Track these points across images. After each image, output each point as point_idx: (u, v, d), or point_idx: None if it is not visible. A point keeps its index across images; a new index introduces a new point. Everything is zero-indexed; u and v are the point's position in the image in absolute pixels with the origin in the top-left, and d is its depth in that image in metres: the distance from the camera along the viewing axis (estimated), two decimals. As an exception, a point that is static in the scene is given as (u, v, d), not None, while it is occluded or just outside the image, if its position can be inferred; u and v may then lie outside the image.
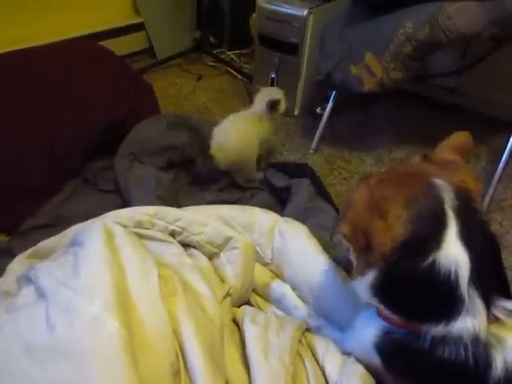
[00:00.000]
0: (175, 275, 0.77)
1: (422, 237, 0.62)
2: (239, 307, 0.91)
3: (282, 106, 1.55)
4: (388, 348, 0.68)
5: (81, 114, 1.41)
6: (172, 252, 0.88)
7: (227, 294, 0.87)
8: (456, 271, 0.60)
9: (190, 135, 1.52)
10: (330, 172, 1.68)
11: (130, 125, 1.49)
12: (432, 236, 0.62)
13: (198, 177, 1.44)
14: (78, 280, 0.66)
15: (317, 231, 1.07)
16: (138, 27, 2.40)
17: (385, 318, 0.68)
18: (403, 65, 1.42)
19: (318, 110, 1.89)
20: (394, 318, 0.66)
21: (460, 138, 0.76)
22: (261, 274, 1.01)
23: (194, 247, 0.95)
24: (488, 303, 0.61)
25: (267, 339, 0.75)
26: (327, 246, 1.03)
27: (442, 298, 0.62)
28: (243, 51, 2.52)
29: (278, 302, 0.98)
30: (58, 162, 1.34)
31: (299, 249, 1.00)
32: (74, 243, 0.79)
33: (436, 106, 2.07)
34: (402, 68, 1.43)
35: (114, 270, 0.68)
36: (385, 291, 0.66)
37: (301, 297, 0.97)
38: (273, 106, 1.50)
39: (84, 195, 1.37)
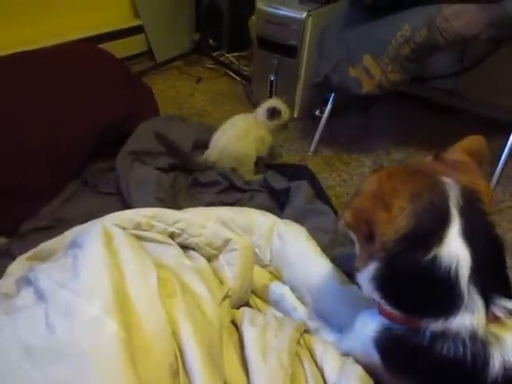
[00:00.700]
0: (174, 277, 0.77)
1: (424, 231, 0.63)
2: (238, 309, 0.91)
3: (285, 116, 1.56)
4: (387, 344, 0.68)
5: (80, 116, 1.41)
6: (171, 254, 0.89)
7: (226, 296, 0.87)
8: (456, 268, 0.61)
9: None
10: (329, 174, 1.68)
11: (130, 127, 1.49)
12: (434, 231, 0.63)
13: (197, 179, 1.44)
14: (78, 282, 0.66)
15: (315, 233, 1.07)
16: (138, 30, 2.40)
17: (385, 314, 0.68)
18: (401, 67, 1.43)
19: (317, 113, 1.89)
20: (394, 313, 0.67)
21: (473, 141, 0.76)
22: (260, 275, 1.02)
23: (193, 249, 0.96)
24: (487, 301, 0.62)
25: (266, 340, 0.75)
26: (326, 248, 1.03)
27: (441, 294, 0.62)
28: (242, 54, 2.52)
29: (276, 304, 0.98)
30: (57, 164, 1.34)
31: (298, 251, 1.01)
32: (74, 245, 0.79)
33: (434, 107, 2.07)
34: (401, 70, 1.44)
35: (113, 271, 0.68)
36: (386, 284, 0.67)
37: (300, 298, 0.97)
38: (273, 112, 1.52)
39: (84, 197, 1.38)
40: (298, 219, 1.13)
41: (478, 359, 0.60)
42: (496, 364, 0.59)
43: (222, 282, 0.91)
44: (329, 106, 1.75)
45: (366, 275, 0.69)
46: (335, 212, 1.26)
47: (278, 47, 1.91)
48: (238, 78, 2.37)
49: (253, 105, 2.14)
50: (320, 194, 1.35)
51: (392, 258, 0.64)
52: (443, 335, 0.61)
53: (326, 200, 1.33)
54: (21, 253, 0.97)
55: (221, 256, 0.95)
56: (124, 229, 0.85)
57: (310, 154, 1.79)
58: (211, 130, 1.54)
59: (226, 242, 0.94)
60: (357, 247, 0.71)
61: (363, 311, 0.76)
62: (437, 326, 0.62)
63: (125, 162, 1.38)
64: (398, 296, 0.67)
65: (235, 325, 0.84)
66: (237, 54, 2.53)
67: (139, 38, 2.43)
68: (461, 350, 0.60)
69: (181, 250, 0.93)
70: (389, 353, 0.69)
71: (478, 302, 0.61)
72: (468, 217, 0.63)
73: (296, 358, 0.76)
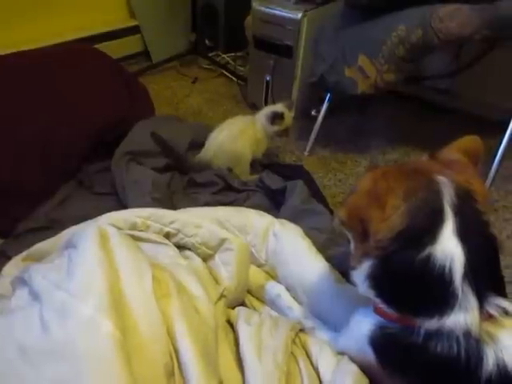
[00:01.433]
0: (169, 277, 0.77)
1: (418, 230, 0.63)
2: (234, 308, 0.91)
3: (287, 120, 1.53)
4: (382, 343, 0.69)
5: (75, 117, 1.41)
6: (166, 254, 0.89)
7: (222, 296, 0.87)
8: (450, 266, 0.61)
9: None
10: (325, 174, 1.69)
11: (125, 127, 1.49)
12: (428, 230, 0.63)
13: (193, 179, 1.44)
14: (72, 282, 0.66)
15: (311, 233, 1.07)
16: (134, 30, 2.41)
17: (380, 313, 0.69)
18: (397, 67, 1.43)
19: (313, 113, 1.89)
20: (389, 311, 0.67)
21: (470, 141, 0.77)
22: (255, 275, 1.02)
23: (189, 249, 0.96)
24: (481, 300, 0.62)
25: (261, 339, 0.75)
26: (321, 248, 1.03)
27: (435, 292, 0.63)
28: (238, 54, 2.53)
29: (272, 303, 0.98)
30: (53, 165, 1.34)
31: (294, 250, 1.01)
32: (69, 245, 0.79)
33: (430, 107, 2.08)
34: (396, 70, 1.45)
35: (108, 271, 0.68)
36: (380, 282, 0.67)
37: (295, 298, 0.97)
38: (275, 117, 1.50)
39: (80, 198, 1.37)
40: (294, 219, 1.13)
41: (471, 357, 0.60)
42: (490, 362, 0.59)
43: (217, 282, 0.91)
44: (325, 106, 1.75)
45: (360, 273, 0.69)
46: (331, 212, 1.27)
47: (274, 47, 1.91)
48: (234, 78, 2.37)
49: (249, 105, 2.15)
50: (316, 193, 1.35)
51: (386, 256, 0.65)
52: (437, 333, 0.62)
53: (322, 200, 1.34)
54: (16, 253, 0.97)
55: (216, 256, 0.95)
56: (120, 229, 0.85)
57: (306, 153, 1.79)
58: (207, 130, 1.54)
59: (222, 241, 0.94)
60: (352, 245, 0.72)
61: (358, 310, 0.76)
62: (431, 324, 0.62)
63: (120, 163, 1.37)
64: (393, 294, 0.67)
65: (231, 324, 0.84)
66: (233, 54, 2.53)
67: (135, 39, 2.43)
68: (455, 348, 0.61)
69: (177, 249, 0.93)
70: (384, 351, 0.69)
71: (472, 301, 0.62)
72: (462, 216, 0.64)
73: (291, 356, 0.77)
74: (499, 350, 0.60)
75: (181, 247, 0.95)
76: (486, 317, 0.62)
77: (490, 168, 1.46)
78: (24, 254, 0.96)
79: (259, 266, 1.04)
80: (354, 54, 1.50)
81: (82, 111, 1.44)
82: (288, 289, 0.99)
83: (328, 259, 0.99)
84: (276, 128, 1.52)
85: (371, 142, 1.88)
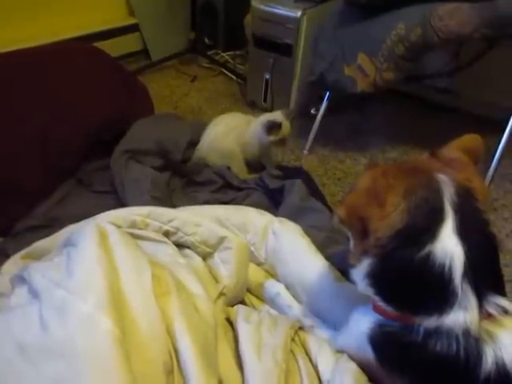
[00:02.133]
0: (169, 275, 0.77)
1: (418, 228, 0.63)
2: (233, 306, 0.91)
3: (284, 130, 1.44)
4: (381, 341, 0.69)
5: (74, 115, 1.41)
6: (166, 252, 0.89)
7: (221, 294, 0.87)
8: (450, 265, 0.61)
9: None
10: (324, 172, 1.68)
11: (124, 126, 1.49)
12: (428, 228, 0.63)
13: (192, 178, 1.44)
14: (71, 280, 0.66)
15: (310, 231, 1.07)
16: (133, 28, 2.40)
17: (379, 311, 0.69)
18: (396, 65, 1.43)
19: (313, 111, 1.89)
20: (388, 310, 0.67)
21: (470, 140, 0.77)
22: (255, 273, 1.02)
23: (188, 247, 0.96)
24: (481, 299, 0.62)
25: (260, 337, 0.75)
26: (321, 246, 1.03)
27: (435, 291, 0.62)
28: (238, 52, 2.53)
29: (272, 302, 0.98)
30: (52, 163, 1.34)
31: (293, 248, 1.01)
32: (68, 243, 0.79)
33: (429, 106, 2.08)
34: (395, 68, 1.44)
35: (107, 269, 0.68)
36: (380, 280, 0.67)
37: (295, 296, 0.97)
38: (272, 127, 1.42)
39: (79, 196, 1.37)
40: (293, 217, 1.13)
41: (471, 356, 0.60)
42: (489, 360, 0.59)
43: (216, 280, 0.91)
44: (324, 105, 1.75)
45: (360, 271, 0.69)
46: (330, 210, 1.27)
47: (274, 46, 1.91)
48: (234, 77, 2.37)
49: (248, 103, 2.15)
50: (315, 192, 1.35)
51: (386, 254, 0.65)
52: (437, 332, 0.62)
53: (321, 198, 1.33)
54: (15, 252, 0.96)
55: (216, 254, 0.95)
56: (119, 227, 0.85)
57: (306, 152, 1.79)
58: (206, 128, 1.54)
59: (221, 240, 0.94)
60: (351, 243, 0.72)
61: (358, 308, 0.76)
62: (430, 322, 0.62)
63: (120, 161, 1.37)
64: (392, 292, 0.67)
65: (230, 322, 0.84)
66: (232, 52, 2.53)
67: (134, 37, 2.43)
68: (454, 346, 0.60)
69: (176, 248, 0.93)
70: (383, 349, 0.69)
71: (472, 299, 0.61)
72: (462, 214, 0.64)
73: (290, 354, 0.76)
74: (498, 348, 0.60)
75: (180, 246, 0.95)
76: (485, 315, 0.62)
77: (490, 166, 1.46)
78: (23, 252, 0.96)
79: (259, 264, 1.04)
80: (354, 52, 1.50)
81: (81, 109, 1.43)
82: (287, 287, 0.99)
83: (327, 257, 0.99)
84: (272, 138, 1.44)
85: (371, 140, 1.88)
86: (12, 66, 1.40)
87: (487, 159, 1.47)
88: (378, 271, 0.66)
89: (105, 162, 1.42)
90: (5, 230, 1.21)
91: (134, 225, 0.92)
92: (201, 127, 1.59)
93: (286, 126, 1.45)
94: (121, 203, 1.27)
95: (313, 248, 1.00)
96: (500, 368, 0.59)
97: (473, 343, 0.60)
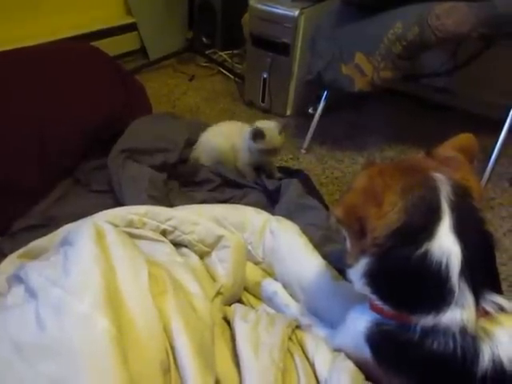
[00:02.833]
0: (166, 274, 0.77)
1: (415, 226, 0.63)
2: (231, 305, 0.91)
3: (274, 141, 1.38)
4: (379, 340, 0.69)
5: (72, 114, 1.40)
6: (163, 251, 0.89)
7: (218, 293, 0.87)
8: (447, 263, 0.61)
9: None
10: (322, 171, 1.69)
11: (122, 125, 1.48)
12: (425, 227, 0.63)
13: (189, 176, 1.44)
14: (68, 279, 0.66)
15: (308, 229, 1.07)
16: (131, 27, 2.40)
17: (376, 310, 0.69)
18: (393, 64, 1.44)
19: (310, 110, 1.89)
20: (386, 308, 0.67)
21: (465, 139, 0.77)
22: (252, 272, 1.02)
23: (186, 246, 0.96)
24: (478, 297, 0.62)
25: (257, 336, 0.75)
26: (318, 245, 1.03)
27: (432, 289, 0.63)
28: (235, 51, 2.52)
29: (269, 301, 0.98)
30: (49, 162, 1.34)
31: (290, 247, 1.01)
32: (65, 242, 0.79)
33: (427, 105, 2.09)
34: (393, 68, 1.45)
35: (104, 268, 0.68)
36: (377, 279, 0.67)
37: (292, 295, 0.97)
38: (256, 135, 1.36)
39: (76, 195, 1.37)
40: (290, 215, 1.13)
41: (467, 354, 0.60)
42: (486, 358, 0.59)
43: (214, 279, 0.91)
44: (322, 104, 1.75)
45: (357, 271, 0.69)
46: (327, 208, 1.27)
47: (271, 45, 1.92)
48: (231, 76, 2.37)
49: (246, 102, 2.15)
50: (312, 191, 1.35)
51: (383, 253, 0.65)
52: (434, 330, 0.62)
53: (318, 197, 1.33)
54: (12, 251, 0.96)
55: (213, 253, 0.95)
56: (116, 226, 0.85)
57: (303, 151, 1.79)
58: (204, 127, 1.54)
59: (219, 238, 0.94)
60: (348, 243, 0.72)
61: (355, 307, 0.76)
62: (427, 321, 0.62)
63: (117, 160, 1.37)
64: (389, 291, 0.67)
65: (227, 321, 0.84)
66: (230, 51, 2.53)
67: (132, 36, 2.43)
68: (451, 344, 0.61)
69: (173, 247, 0.93)
70: (380, 348, 0.69)
71: (469, 297, 0.62)
72: (459, 213, 0.64)
73: (288, 353, 0.76)
74: (495, 346, 0.60)
75: (177, 244, 0.95)
76: (482, 313, 0.62)
77: (487, 165, 1.47)
78: (20, 251, 0.95)
79: (256, 263, 1.04)
80: (351, 51, 1.50)
81: (79, 109, 1.43)
82: (285, 286, 0.99)
83: (324, 256, 0.99)
84: (260, 146, 1.37)
85: (368, 139, 1.88)
86: (9, 64, 1.40)
87: (484, 158, 1.48)
88: (375, 270, 0.67)
89: (102, 161, 1.41)
90: (2, 230, 1.20)
91: (131, 224, 0.92)
92: (199, 127, 1.59)
93: (274, 137, 1.38)
94: (118, 202, 1.27)
95: (310, 247, 1.00)
96: (497, 365, 0.59)
97: (470, 341, 0.60)
